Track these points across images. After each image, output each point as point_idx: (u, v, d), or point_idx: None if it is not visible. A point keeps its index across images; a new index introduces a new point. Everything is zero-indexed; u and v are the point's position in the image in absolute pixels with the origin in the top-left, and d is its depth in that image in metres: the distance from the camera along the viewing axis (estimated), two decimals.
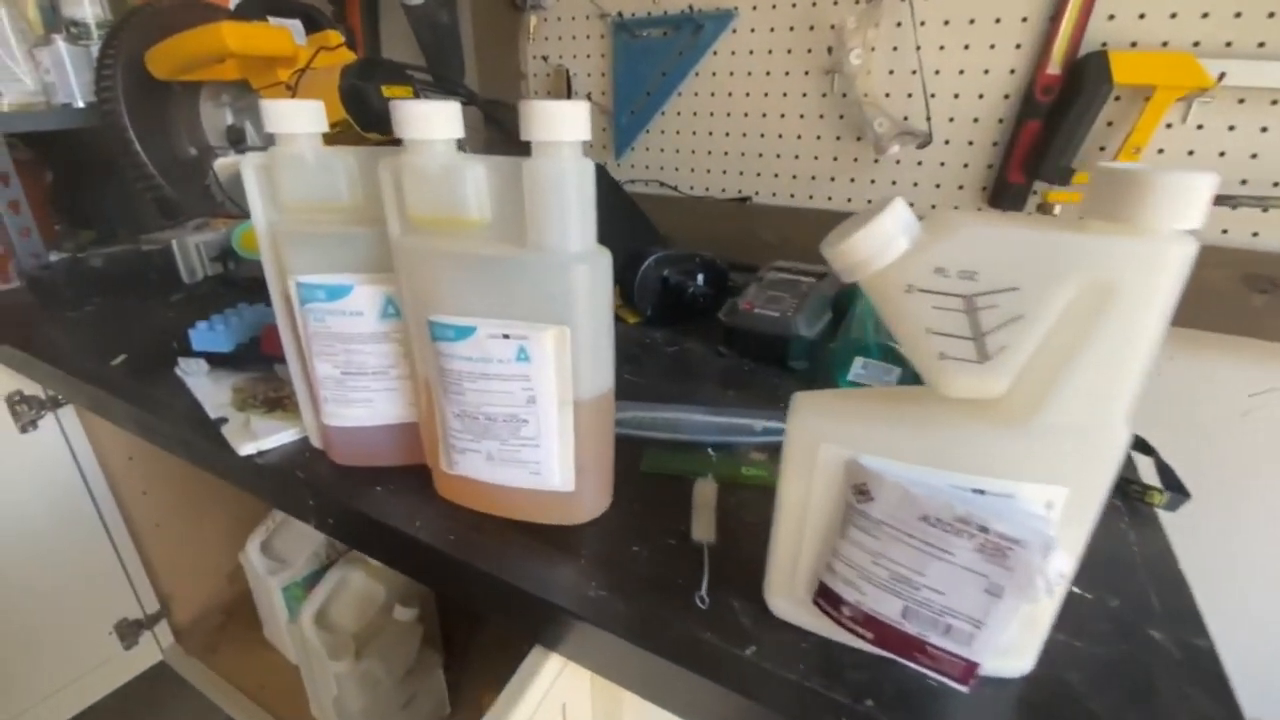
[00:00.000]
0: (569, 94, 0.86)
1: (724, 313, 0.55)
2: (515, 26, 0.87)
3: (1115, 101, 0.58)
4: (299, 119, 0.32)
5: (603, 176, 0.74)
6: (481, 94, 0.90)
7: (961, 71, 0.63)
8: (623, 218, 0.73)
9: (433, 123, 0.28)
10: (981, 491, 0.22)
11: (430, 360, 0.32)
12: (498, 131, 0.90)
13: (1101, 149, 0.60)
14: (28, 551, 0.79)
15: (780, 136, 0.75)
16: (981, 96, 0.63)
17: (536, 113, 0.26)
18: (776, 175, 0.77)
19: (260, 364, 0.50)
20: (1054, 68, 0.58)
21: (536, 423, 0.31)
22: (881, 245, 0.21)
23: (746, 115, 0.76)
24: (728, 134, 0.78)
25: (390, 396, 0.37)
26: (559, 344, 0.29)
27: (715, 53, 0.75)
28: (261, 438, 0.41)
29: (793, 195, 0.76)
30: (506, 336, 0.29)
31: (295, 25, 0.76)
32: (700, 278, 0.63)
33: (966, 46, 0.62)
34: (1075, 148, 0.59)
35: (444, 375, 0.31)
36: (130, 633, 0.90)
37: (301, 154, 0.33)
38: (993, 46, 0.61)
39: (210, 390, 0.48)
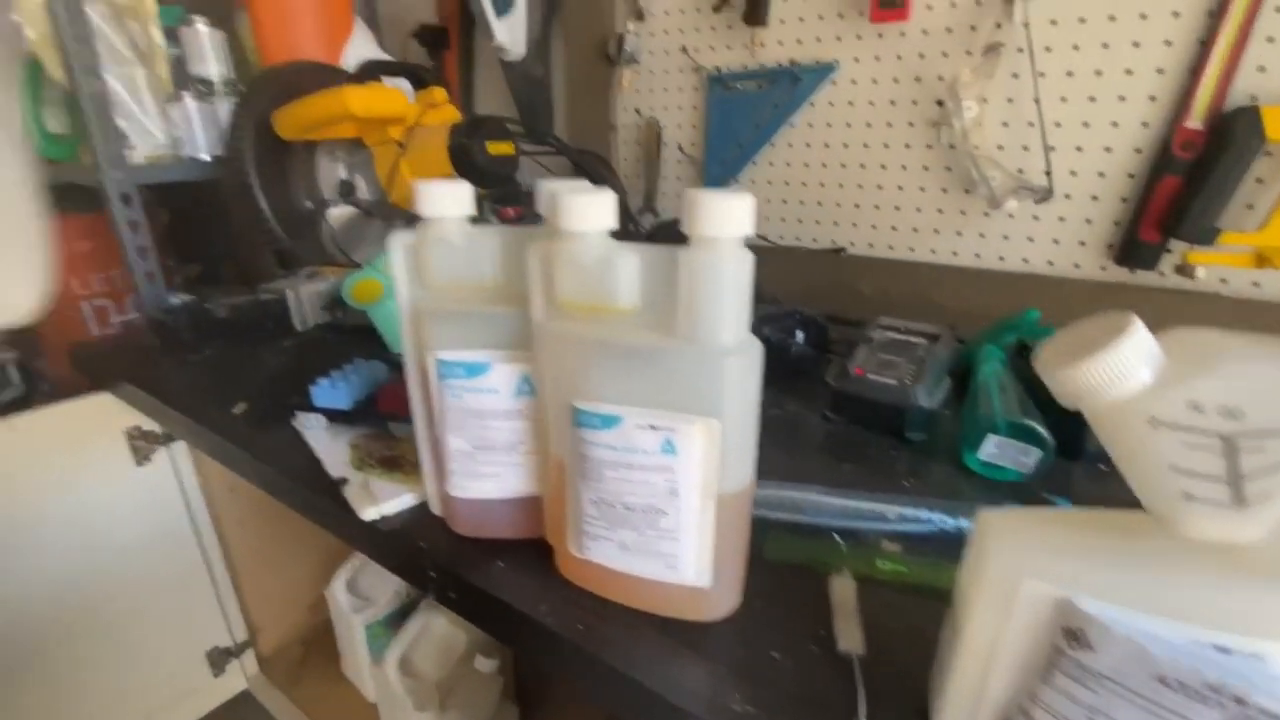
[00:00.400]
0: (659, 145, 0.87)
1: (833, 377, 0.53)
2: (607, 79, 0.89)
3: (1266, 157, 0.54)
4: (449, 203, 0.32)
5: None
6: (570, 143, 0.92)
7: (1086, 124, 0.60)
8: None
9: (590, 215, 0.28)
10: (1226, 650, 0.19)
11: (568, 444, 0.31)
12: (584, 179, 0.92)
13: (1249, 207, 0.55)
14: (133, 577, 0.83)
15: (880, 187, 0.73)
16: (1109, 150, 0.60)
17: (702, 207, 0.26)
18: (874, 226, 0.75)
19: (374, 420, 0.51)
20: (1195, 122, 0.55)
21: (677, 515, 0.30)
22: (1118, 376, 0.19)
23: (844, 166, 0.75)
24: (822, 184, 0.77)
25: (517, 471, 0.36)
26: (707, 437, 0.28)
27: (813, 104, 0.74)
28: (382, 502, 0.42)
29: (891, 247, 0.74)
30: (654, 428, 0.28)
31: (404, 84, 0.80)
32: (801, 335, 0.61)
33: (1092, 99, 0.59)
34: (1221, 206, 0.54)
35: (583, 461, 0.31)
36: (220, 660, 0.93)
37: (449, 235, 0.33)
38: (1122, 99, 0.58)
39: (329, 446, 0.49)
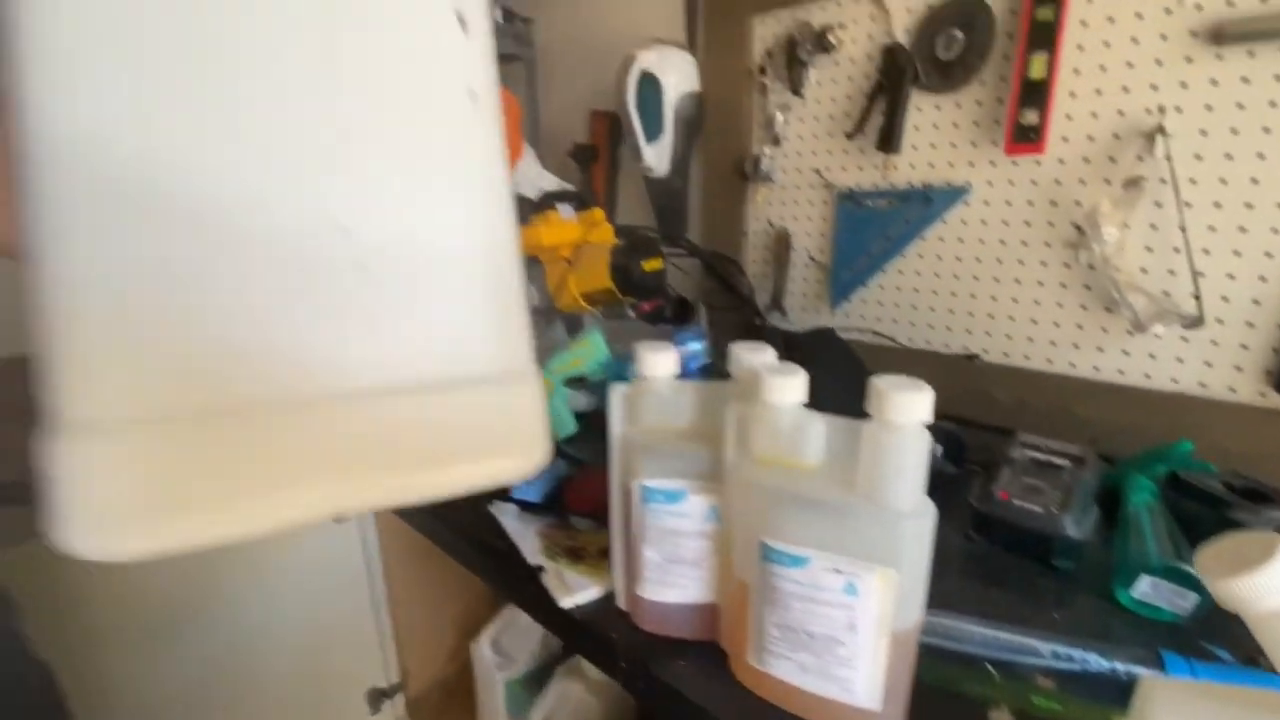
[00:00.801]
0: (788, 251, 0.94)
1: (976, 499, 0.56)
2: (740, 192, 0.98)
3: None
4: (660, 366, 0.41)
5: (830, 340, 0.79)
6: (703, 245, 1.02)
7: (1237, 253, 0.61)
8: (850, 377, 0.76)
9: (787, 390, 0.35)
10: None
11: (755, 571, 0.37)
12: (717, 282, 1.01)
13: None
14: (312, 618, 0.97)
15: (1015, 300, 0.75)
16: (1264, 280, 0.60)
17: (888, 398, 0.32)
18: (1009, 336, 0.77)
19: (558, 513, 0.59)
20: None
21: (854, 646, 0.35)
22: (1269, 591, 0.23)
23: (976, 278, 0.78)
24: (954, 293, 0.80)
25: (699, 583, 0.43)
26: (884, 584, 0.33)
27: (944, 221, 0.79)
28: (575, 592, 0.49)
29: (1028, 357, 0.76)
30: (838, 571, 0.34)
31: (566, 207, 0.93)
32: (940, 450, 0.64)
33: (1243, 229, 0.60)
34: None
35: (771, 590, 0.37)
36: (376, 700, 1.05)
37: (658, 389, 0.41)
38: (1276, 231, 0.58)
39: (521, 532, 0.58)
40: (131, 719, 0.78)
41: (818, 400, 0.62)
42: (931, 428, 0.65)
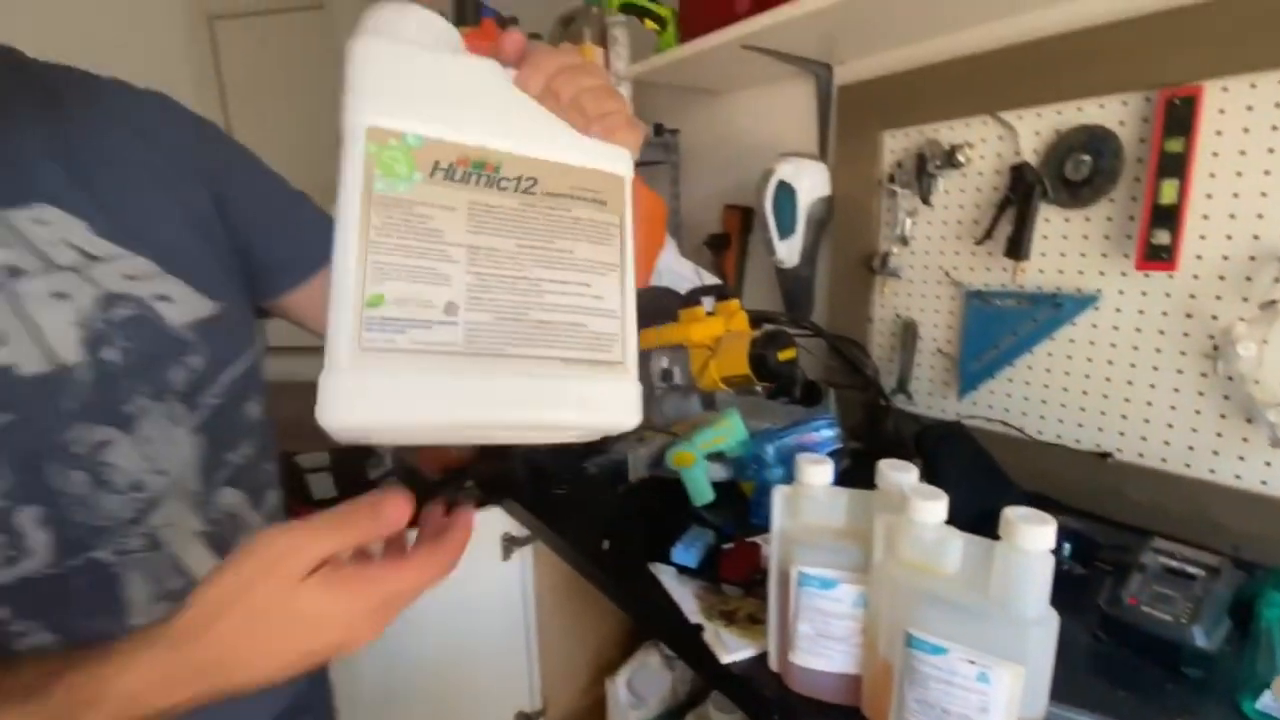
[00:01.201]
0: (915, 341, 1.01)
1: (1105, 602, 0.60)
2: (867, 283, 1.07)
3: None
4: (819, 475, 0.51)
5: (956, 433, 0.85)
6: (828, 329, 1.11)
7: None
8: (978, 472, 0.82)
9: (931, 512, 0.44)
10: None
11: (899, 655, 0.46)
12: (842, 363, 1.09)
13: None
14: (473, 645, 1.12)
15: (1150, 404, 0.78)
16: None
17: (1018, 528, 0.40)
18: (1144, 437, 0.79)
19: (711, 579, 0.70)
20: None
21: None
22: None
23: (1109, 379, 0.81)
24: (1085, 392, 0.84)
25: (846, 656, 0.52)
26: (1013, 677, 0.41)
27: (1074, 324, 0.83)
28: (732, 651, 0.60)
29: (1164, 460, 0.78)
30: (973, 663, 0.42)
31: (709, 300, 1.06)
32: (1069, 548, 0.68)
33: None
34: None
35: (912, 672, 0.45)
36: None
37: (815, 493, 0.52)
38: None
39: (680, 593, 0.69)
40: None
41: (947, 489, 0.70)
42: (1059, 526, 0.70)
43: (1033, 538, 0.40)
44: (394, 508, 0.31)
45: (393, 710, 1.03)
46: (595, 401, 0.34)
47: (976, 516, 0.72)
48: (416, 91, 0.33)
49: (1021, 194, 0.84)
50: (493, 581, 1.10)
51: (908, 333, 1.03)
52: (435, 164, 0.32)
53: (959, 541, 0.44)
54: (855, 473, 0.65)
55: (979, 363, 0.94)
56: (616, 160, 0.37)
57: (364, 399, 0.29)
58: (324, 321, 0.30)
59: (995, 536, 0.62)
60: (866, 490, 0.52)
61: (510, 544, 1.09)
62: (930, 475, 0.77)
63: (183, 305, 0.45)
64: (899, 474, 0.49)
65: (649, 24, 1.12)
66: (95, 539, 0.42)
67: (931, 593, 0.44)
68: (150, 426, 0.43)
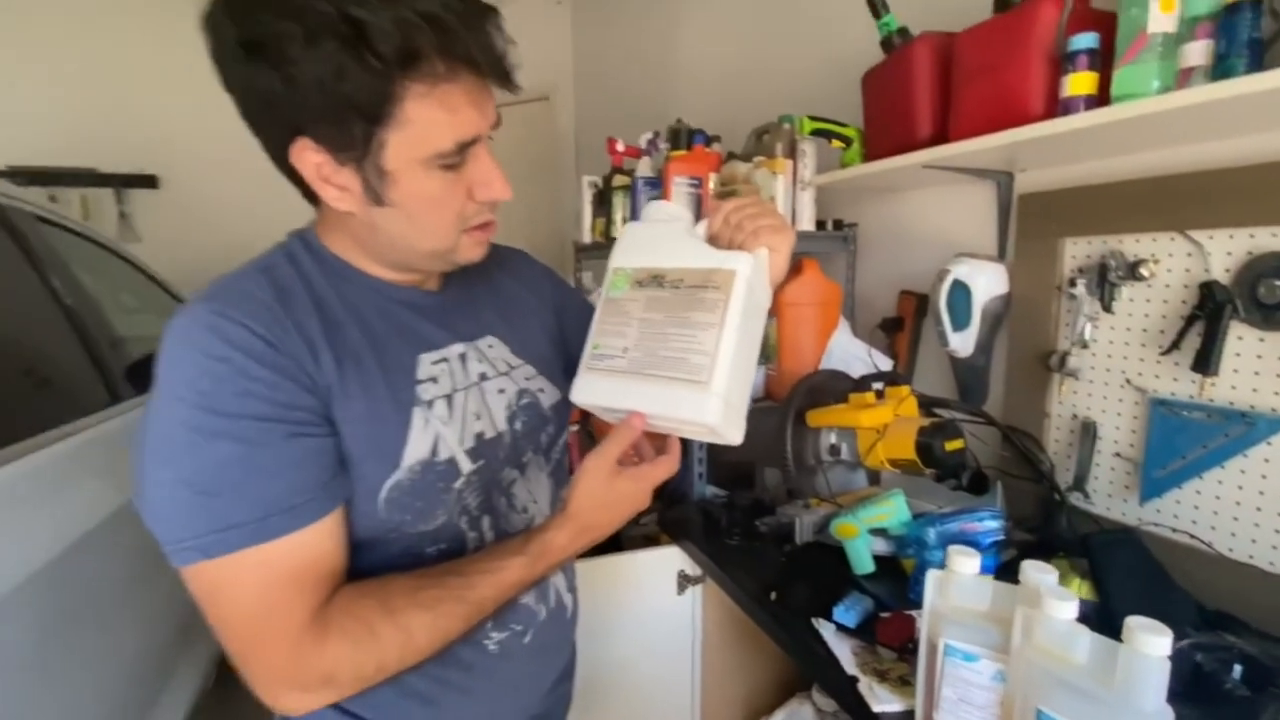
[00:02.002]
0: (1094, 442, 1.03)
1: None
2: (1044, 379, 1.10)
3: None
4: (967, 566, 0.62)
5: (1127, 540, 0.87)
6: (1002, 419, 1.15)
7: None
8: (1148, 580, 0.83)
9: (1064, 611, 0.54)
10: None
11: None
12: (1015, 454, 1.12)
13: None
14: (641, 675, 1.30)
15: None
16: None
17: (1138, 636, 0.49)
18: None
19: (868, 639, 0.82)
20: None
21: None
22: None
23: None
24: None
25: None
26: None
27: (1269, 443, 0.82)
28: (883, 703, 0.71)
29: None
30: None
31: (879, 385, 1.16)
32: (1239, 670, 0.69)
33: None
34: None
35: None
36: None
37: (964, 582, 0.63)
38: None
39: (839, 648, 0.81)
40: None
41: (1113, 593, 0.74)
42: (1230, 649, 0.72)
43: (1149, 645, 0.49)
44: (634, 420, 0.58)
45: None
46: (688, 404, 0.55)
47: None
48: (639, 247, 0.64)
49: (1210, 311, 0.86)
50: (667, 611, 1.28)
51: (1086, 433, 1.04)
52: (636, 280, 0.62)
53: (1087, 638, 0.53)
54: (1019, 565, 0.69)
55: (1164, 471, 0.94)
56: (736, 262, 0.58)
57: (584, 390, 0.61)
58: None
59: (1179, 661, 0.67)
60: (1008, 585, 0.62)
61: (685, 580, 1.26)
62: (1096, 577, 0.82)
63: (549, 395, 0.69)
64: (1039, 574, 0.59)
65: (836, 143, 1.28)
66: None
67: (1062, 678, 0.53)
68: (532, 471, 0.68)
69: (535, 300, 0.74)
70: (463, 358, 0.63)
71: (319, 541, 0.51)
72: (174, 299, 1.96)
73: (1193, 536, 0.90)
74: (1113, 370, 1.00)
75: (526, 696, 0.69)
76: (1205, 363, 0.86)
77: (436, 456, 0.57)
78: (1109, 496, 1.02)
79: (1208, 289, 0.86)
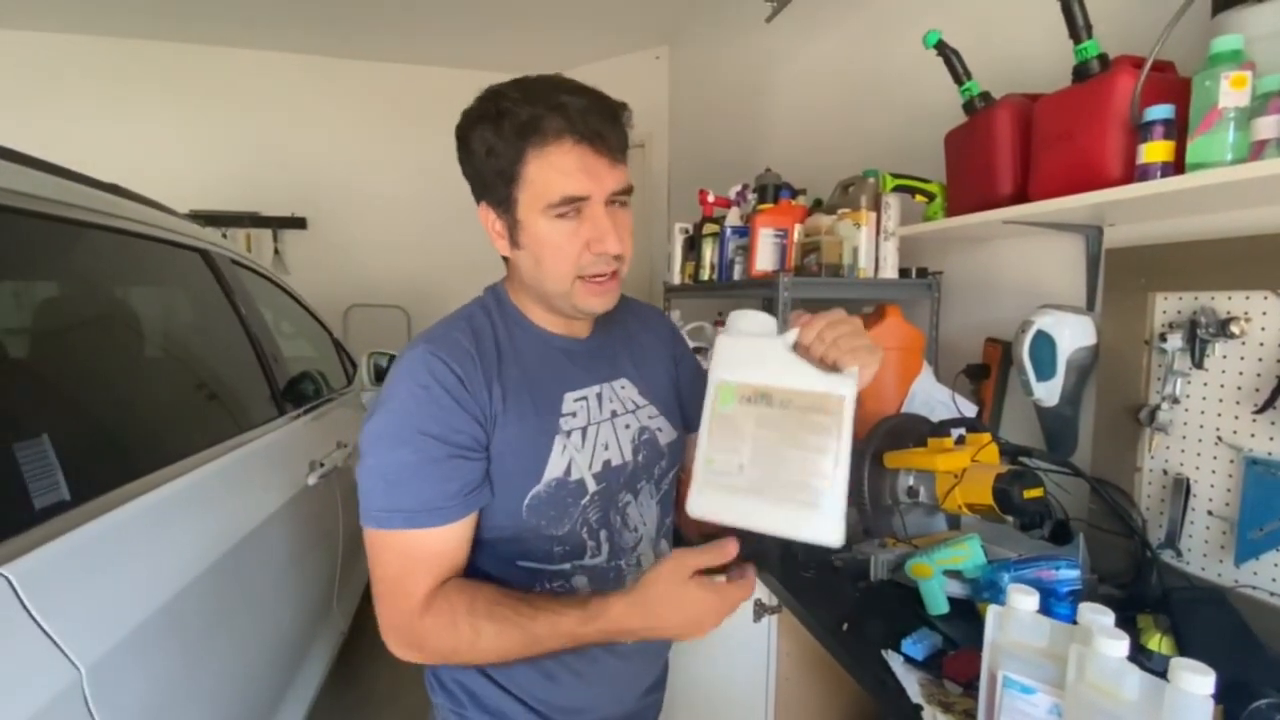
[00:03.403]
0: (1187, 499, 1.02)
1: None
2: (1134, 433, 1.10)
3: None
4: (1027, 604, 0.67)
5: (1214, 599, 0.87)
6: (1092, 472, 1.15)
7: None
8: (1235, 642, 0.82)
9: (1114, 649, 0.58)
10: None
11: None
12: (1106, 507, 1.12)
13: None
14: (717, 701, 1.36)
15: None
16: None
17: (1181, 675, 0.53)
18: None
19: (934, 672, 0.86)
20: None
21: None
22: None
23: None
24: None
25: None
26: None
27: None
28: None
29: None
30: None
31: (959, 431, 1.20)
32: None
33: None
34: None
35: None
36: None
37: (1022, 618, 0.67)
38: None
39: (906, 678, 0.86)
40: None
41: (1195, 653, 0.76)
42: None
43: (1193, 684, 0.52)
44: (730, 546, 0.62)
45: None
46: (804, 527, 0.59)
47: (1226, 686, 0.75)
48: (740, 361, 0.65)
49: None
50: (744, 638, 1.34)
51: (1178, 489, 1.03)
52: (743, 396, 0.64)
53: (1136, 676, 0.57)
54: None
55: (1260, 532, 0.92)
56: (843, 385, 0.61)
57: (702, 505, 0.63)
58: (689, 462, 0.67)
59: (1244, 707, 0.69)
60: (1065, 624, 0.66)
61: (761, 609, 1.32)
62: (1178, 633, 0.82)
63: (666, 433, 0.82)
64: (1094, 614, 0.63)
65: (919, 198, 1.35)
66: (619, 556, 0.77)
67: (1113, 714, 0.57)
68: (644, 496, 0.80)
69: (663, 351, 0.88)
70: (599, 396, 0.76)
71: (447, 539, 0.66)
72: (321, 326, 2.27)
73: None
74: (1205, 427, 0.99)
75: (625, 692, 0.81)
76: None
77: (569, 476, 0.71)
78: (1203, 556, 1.00)
79: None
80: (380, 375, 2.29)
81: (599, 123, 0.64)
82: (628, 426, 0.78)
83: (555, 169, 0.64)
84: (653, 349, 0.86)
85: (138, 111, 3.47)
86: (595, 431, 0.74)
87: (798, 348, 0.63)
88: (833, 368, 0.62)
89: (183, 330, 1.41)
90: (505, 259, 0.76)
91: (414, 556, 0.65)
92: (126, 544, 0.86)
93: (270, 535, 1.26)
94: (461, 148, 0.68)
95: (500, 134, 0.64)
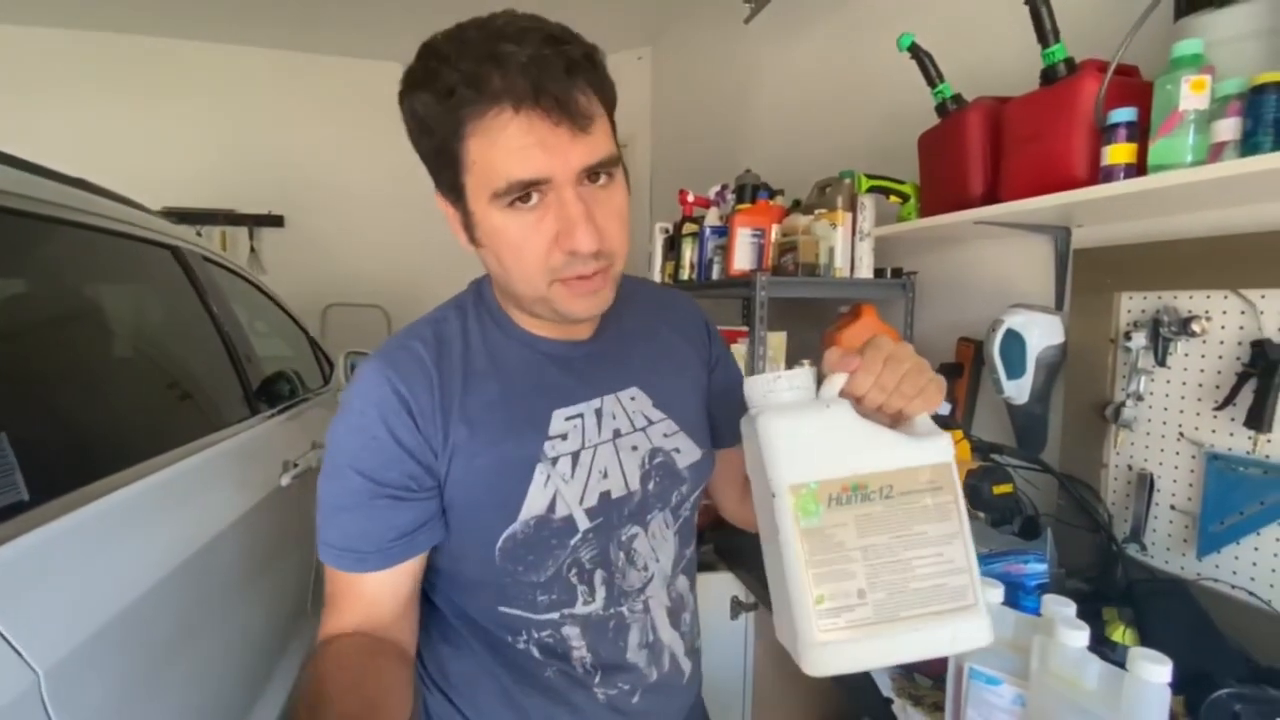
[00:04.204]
0: (1150, 494, 1.04)
1: None
2: (1101, 429, 1.12)
3: None
4: (993, 595, 0.68)
5: (1175, 591, 0.89)
6: (1059, 468, 1.17)
7: None
8: (1196, 634, 0.84)
9: (1075, 640, 0.59)
10: None
11: None
12: (1072, 503, 1.14)
13: None
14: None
15: None
16: None
17: (1139, 664, 0.54)
18: None
19: (903, 667, 0.87)
20: None
21: None
22: None
23: None
24: None
25: None
26: None
27: None
28: None
29: None
30: None
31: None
32: None
33: None
34: None
35: None
36: None
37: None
38: None
39: (878, 672, 0.87)
40: None
41: (1157, 644, 0.76)
42: (1274, 701, 0.73)
43: (1150, 673, 0.54)
44: None
45: None
46: (961, 637, 0.46)
47: (1187, 676, 0.77)
48: (806, 449, 0.46)
49: (1263, 369, 0.87)
50: (722, 636, 1.35)
51: (1142, 484, 1.05)
52: (830, 497, 0.46)
53: (1096, 665, 0.58)
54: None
55: (1221, 525, 0.94)
56: (940, 451, 0.47)
57: (828, 662, 0.45)
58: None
59: (1205, 697, 0.70)
60: (1031, 616, 0.67)
61: (738, 606, 1.33)
62: (1140, 625, 0.84)
63: (686, 454, 0.67)
64: (1057, 606, 0.64)
65: (893, 199, 1.36)
66: (622, 599, 0.63)
67: (1074, 703, 0.59)
68: (656, 527, 0.65)
69: (691, 352, 0.72)
70: (599, 413, 0.63)
71: (371, 584, 0.57)
72: (297, 325, 2.24)
73: (1251, 594, 0.90)
74: (1168, 423, 1.02)
75: None
76: (1259, 420, 0.88)
77: (553, 513, 0.59)
78: (1167, 549, 1.03)
79: (1260, 347, 0.88)
80: None
81: (553, 77, 0.47)
82: (635, 448, 0.64)
83: (497, 146, 0.49)
84: (678, 350, 0.71)
85: (110, 106, 3.40)
86: (591, 456, 0.61)
87: (852, 401, 0.49)
88: (897, 417, 0.49)
89: (151, 328, 1.38)
90: None
91: (338, 590, 0.58)
92: (89, 545, 0.84)
93: (241, 536, 1.24)
94: (405, 121, 0.53)
95: (434, 101, 0.49)
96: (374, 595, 0.57)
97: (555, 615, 0.62)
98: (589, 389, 0.64)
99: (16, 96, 3.25)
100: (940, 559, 0.46)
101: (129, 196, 1.32)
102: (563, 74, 0.48)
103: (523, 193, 0.51)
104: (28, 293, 1.03)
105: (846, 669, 0.46)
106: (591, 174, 0.52)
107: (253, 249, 3.61)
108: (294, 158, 3.66)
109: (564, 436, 0.61)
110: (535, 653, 0.63)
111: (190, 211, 3.42)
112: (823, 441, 0.47)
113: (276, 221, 3.65)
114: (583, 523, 0.60)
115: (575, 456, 0.61)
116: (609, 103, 0.54)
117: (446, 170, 0.53)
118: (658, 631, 0.67)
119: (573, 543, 0.60)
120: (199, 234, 3.36)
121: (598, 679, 0.64)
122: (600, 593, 0.63)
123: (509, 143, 0.49)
